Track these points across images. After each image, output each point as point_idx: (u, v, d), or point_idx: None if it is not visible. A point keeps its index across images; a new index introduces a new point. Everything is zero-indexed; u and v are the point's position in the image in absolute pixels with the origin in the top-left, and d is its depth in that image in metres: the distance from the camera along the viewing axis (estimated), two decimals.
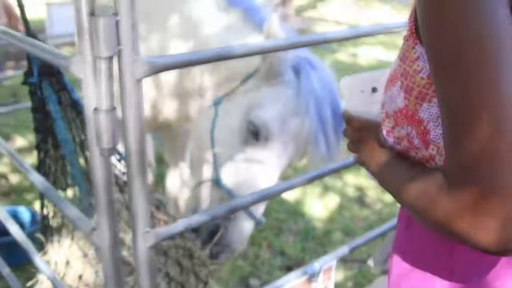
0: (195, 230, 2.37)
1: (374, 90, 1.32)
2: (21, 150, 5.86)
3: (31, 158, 5.54)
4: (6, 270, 2.51)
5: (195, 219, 1.42)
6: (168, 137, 3.89)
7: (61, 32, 7.08)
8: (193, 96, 2.81)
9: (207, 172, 2.63)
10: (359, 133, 1.31)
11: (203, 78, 2.70)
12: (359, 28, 1.72)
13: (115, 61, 1.14)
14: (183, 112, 2.91)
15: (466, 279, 1.22)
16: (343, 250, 2.11)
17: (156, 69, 1.16)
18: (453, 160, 0.90)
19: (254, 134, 2.46)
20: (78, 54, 1.14)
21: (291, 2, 13.45)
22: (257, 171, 2.50)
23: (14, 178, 5.34)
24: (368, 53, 10.14)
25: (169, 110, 2.91)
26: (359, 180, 5.42)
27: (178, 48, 2.77)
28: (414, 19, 1.04)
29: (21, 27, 3.70)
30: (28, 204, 4.79)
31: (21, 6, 2.01)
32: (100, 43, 1.08)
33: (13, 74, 8.44)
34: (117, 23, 1.09)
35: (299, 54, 2.52)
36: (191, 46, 2.75)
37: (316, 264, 1.88)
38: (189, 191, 2.82)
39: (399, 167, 1.15)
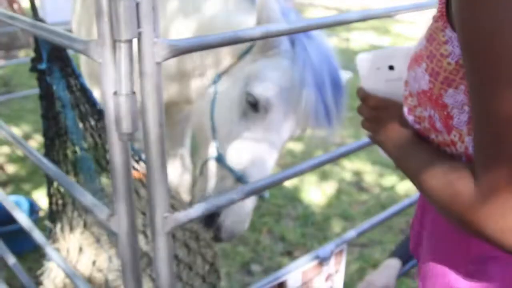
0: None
1: (391, 67, 1.29)
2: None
3: None
4: (12, 260, 2.49)
5: (212, 203, 1.41)
6: (168, 124, 3.87)
7: (55, 21, 7.04)
8: (194, 76, 2.78)
9: (210, 151, 2.61)
10: (376, 111, 1.29)
11: (204, 56, 2.68)
12: (350, 13, 1.70)
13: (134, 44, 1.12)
14: (185, 93, 2.88)
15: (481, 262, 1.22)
16: (351, 234, 2.11)
17: (177, 52, 1.15)
18: (483, 155, 0.91)
19: (253, 106, 2.43)
20: (97, 37, 1.12)
21: None
22: (258, 143, 2.48)
23: (10, 168, 5.32)
24: (360, 38, 10.12)
25: (171, 91, 2.89)
26: (356, 165, 5.43)
27: (180, 29, 2.75)
28: (446, 1, 1.02)
29: (21, 11, 3.66)
30: (26, 193, 4.77)
31: None
32: (120, 26, 1.06)
33: (4, 63, 8.38)
34: (137, 5, 1.07)
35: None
36: (194, 26, 2.73)
37: (327, 248, 1.87)
38: (191, 176, 2.80)
39: (419, 152, 1.14)
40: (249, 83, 2.44)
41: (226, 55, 2.60)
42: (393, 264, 2.59)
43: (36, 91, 6.79)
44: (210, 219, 2.39)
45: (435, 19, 1.06)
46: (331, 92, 2.47)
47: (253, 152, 2.47)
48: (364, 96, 1.32)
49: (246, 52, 2.53)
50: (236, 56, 2.57)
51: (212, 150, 2.57)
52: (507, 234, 0.89)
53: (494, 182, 0.89)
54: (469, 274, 1.21)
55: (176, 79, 2.80)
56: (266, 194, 2.55)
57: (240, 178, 2.42)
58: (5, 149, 5.69)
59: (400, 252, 2.70)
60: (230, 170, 2.45)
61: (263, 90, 2.39)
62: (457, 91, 1.03)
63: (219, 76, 2.62)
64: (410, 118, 1.19)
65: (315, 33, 2.50)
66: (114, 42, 1.10)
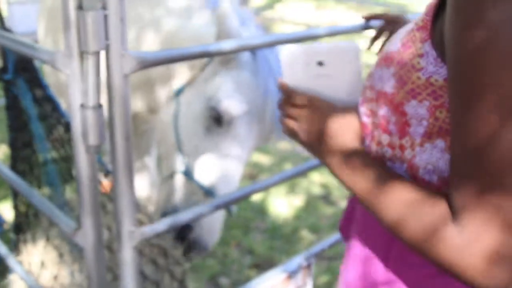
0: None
1: (320, 63, 1.20)
2: None
3: None
4: None
5: (180, 218, 1.40)
6: (133, 134, 3.84)
7: (23, 31, 6.98)
8: (157, 84, 2.77)
9: (174, 165, 2.59)
10: (304, 110, 1.18)
11: (168, 65, 2.67)
12: (319, 29, 1.72)
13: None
14: (149, 102, 2.86)
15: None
16: (319, 247, 2.11)
17: (145, 64, 1.14)
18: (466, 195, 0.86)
19: (216, 120, 2.43)
20: (64, 48, 1.10)
21: (249, 2, 13.46)
22: (224, 157, 2.47)
23: None
24: None
25: (135, 100, 2.87)
26: (324, 178, 5.45)
27: (144, 39, 2.73)
28: (433, 15, 1.01)
29: None
30: None
31: None
32: (88, 37, 1.05)
33: None
34: (105, 17, 1.06)
35: (253, 33, 2.50)
36: (157, 38, 2.73)
37: (296, 262, 1.87)
38: (157, 188, 2.78)
39: (371, 169, 1.06)
40: (211, 98, 2.44)
41: (186, 67, 2.60)
42: None
43: (1, 101, 6.69)
44: (181, 235, 2.37)
45: (417, 27, 1.04)
46: None
47: (220, 165, 2.47)
48: (289, 93, 1.20)
49: (208, 63, 2.53)
50: (198, 67, 2.57)
51: (179, 164, 2.56)
52: (487, 280, 0.85)
53: (477, 224, 0.84)
54: (389, 269, 1.20)
55: (139, 87, 2.77)
56: (234, 209, 2.55)
57: (208, 192, 2.41)
58: None
59: None
60: (199, 184, 2.45)
61: (226, 105, 2.39)
62: (420, 105, 1.02)
63: (181, 89, 2.62)
64: (362, 109, 1.17)
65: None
66: (82, 53, 1.09)
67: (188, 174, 2.50)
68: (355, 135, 1.13)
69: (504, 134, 0.83)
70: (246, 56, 2.45)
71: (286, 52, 1.20)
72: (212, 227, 2.44)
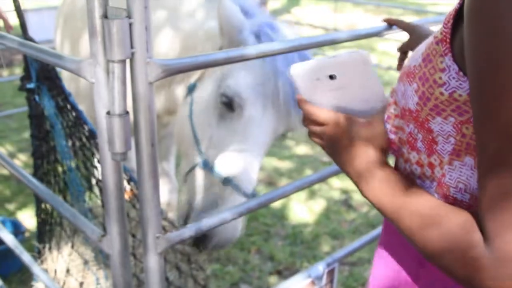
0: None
1: (332, 77, 1.16)
2: None
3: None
4: None
5: (204, 223, 1.40)
6: None
7: (38, 39, 7.04)
8: (174, 85, 2.78)
9: (193, 158, 2.57)
10: (326, 127, 1.14)
11: None
12: (339, 33, 1.72)
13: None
14: (168, 103, 2.86)
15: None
16: (342, 252, 2.11)
17: (170, 72, 1.15)
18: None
19: (228, 106, 2.40)
20: (90, 57, 1.12)
21: (265, 6, 13.52)
22: (241, 144, 2.43)
23: None
24: None
25: (158, 100, 2.89)
26: (345, 183, 5.43)
27: (163, 42, 2.75)
28: (452, 26, 0.97)
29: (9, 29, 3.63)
30: (11, 214, 4.72)
31: (18, 9, 1.97)
32: (113, 46, 1.07)
33: None
34: (130, 26, 1.08)
35: (258, 20, 2.49)
36: (176, 39, 2.74)
37: (320, 267, 1.87)
38: (178, 189, 2.77)
39: (396, 188, 1.03)
40: (220, 85, 2.43)
41: None
42: None
43: (20, 110, 6.75)
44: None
45: (436, 41, 1.01)
46: None
47: (238, 153, 2.43)
48: (309, 110, 1.16)
49: None
50: None
51: (196, 158, 2.54)
52: None
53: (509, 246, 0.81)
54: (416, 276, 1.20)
55: (158, 89, 2.79)
56: (255, 192, 2.47)
57: (228, 181, 2.37)
58: None
59: None
60: (217, 174, 2.41)
61: (235, 87, 2.36)
62: (445, 121, 0.99)
63: (194, 84, 2.62)
64: (387, 126, 1.15)
65: (278, 24, 2.49)
66: (107, 62, 1.10)
67: (206, 165, 2.47)
68: (379, 148, 1.10)
69: None
70: (251, 40, 2.42)
71: (294, 71, 1.16)
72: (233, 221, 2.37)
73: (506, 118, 0.80)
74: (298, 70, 1.16)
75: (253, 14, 2.53)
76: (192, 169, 2.58)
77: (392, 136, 1.14)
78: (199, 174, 2.54)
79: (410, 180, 1.07)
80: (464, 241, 0.86)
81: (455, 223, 0.89)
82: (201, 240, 2.31)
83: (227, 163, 2.41)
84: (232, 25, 2.35)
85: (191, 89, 2.62)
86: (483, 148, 0.86)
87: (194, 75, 2.66)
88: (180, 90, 2.76)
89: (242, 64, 2.40)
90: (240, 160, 2.39)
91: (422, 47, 1.09)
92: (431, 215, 0.93)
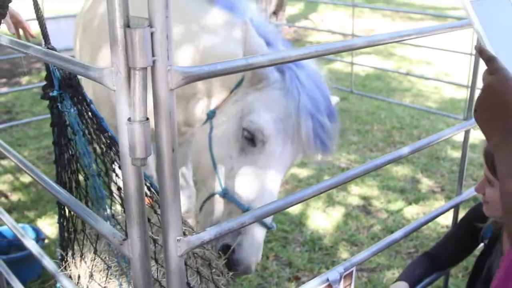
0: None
1: None
2: (17, 167, 5.85)
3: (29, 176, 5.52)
4: (19, 286, 2.50)
5: (224, 226, 1.43)
6: None
7: (57, 48, 7.14)
8: (194, 100, 2.83)
9: (212, 186, 2.65)
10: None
11: (201, 83, 2.74)
12: (356, 39, 1.72)
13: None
14: (186, 115, 2.92)
15: None
16: (359, 257, 2.11)
17: (190, 79, 1.18)
18: None
19: (250, 141, 2.47)
20: (111, 65, 1.15)
21: (283, 13, 13.56)
22: (261, 176, 2.51)
23: (14, 196, 5.34)
24: (364, 61, 10.20)
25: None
26: (363, 189, 5.43)
27: (182, 56, 2.80)
28: None
29: (30, 37, 3.70)
30: (31, 221, 4.79)
31: (40, 18, 2.01)
32: (135, 54, 1.10)
33: (7, 90, 8.47)
34: (152, 35, 1.11)
35: None
36: (197, 56, 2.79)
37: (336, 272, 1.88)
38: (197, 207, 2.83)
39: None
40: (243, 118, 2.49)
41: (218, 86, 2.66)
42: (401, 287, 2.59)
43: (38, 118, 6.82)
44: (222, 251, 2.42)
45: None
46: (326, 115, 2.51)
47: (257, 184, 2.50)
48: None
49: (237, 85, 2.59)
50: (228, 88, 2.63)
51: (215, 186, 2.62)
52: None
53: None
54: None
55: (179, 99, 2.84)
56: (274, 226, 2.60)
57: (247, 212, 2.45)
58: (9, 177, 5.72)
59: (407, 275, 2.70)
60: (238, 204, 2.49)
61: (258, 124, 2.43)
62: None
63: (213, 111, 2.67)
64: None
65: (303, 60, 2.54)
66: (129, 70, 1.13)
67: (226, 194, 2.55)
68: None
69: None
70: (275, 75, 2.48)
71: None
72: (254, 247, 2.49)
73: None
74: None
75: (275, 45, 2.59)
76: (210, 197, 2.64)
77: None
78: (219, 203, 2.60)
79: None
80: None
81: None
82: (229, 267, 2.41)
83: (248, 194, 2.48)
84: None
85: (210, 116, 2.68)
86: None
87: (213, 99, 2.72)
88: (198, 108, 2.82)
89: (264, 100, 2.46)
90: (260, 191, 2.46)
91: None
92: None
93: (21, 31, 3.71)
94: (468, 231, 2.75)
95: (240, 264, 2.44)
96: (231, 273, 2.34)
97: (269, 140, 2.46)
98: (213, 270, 2.18)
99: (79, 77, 2.10)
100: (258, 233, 2.51)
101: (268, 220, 2.56)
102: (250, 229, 2.49)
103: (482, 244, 2.74)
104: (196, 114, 2.85)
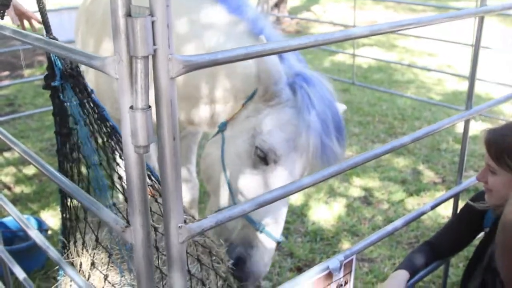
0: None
1: None
2: (20, 160, 5.88)
3: (32, 168, 5.56)
4: (22, 275, 2.52)
5: (225, 214, 1.45)
6: None
7: (61, 40, 7.17)
8: (197, 103, 2.87)
9: (224, 199, 2.70)
10: None
11: (205, 87, 2.78)
12: (356, 29, 1.73)
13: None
14: (190, 116, 2.96)
15: None
16: (359, 245, 2.12)
17: (191, 67, 1.20)
18: None
19: (263, 159, 2.53)
20: (114, 54, 1.16)
21: (285, 5, 13.56)
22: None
23: (18, 188, 5.36)
24: (366, 53, 10.19)
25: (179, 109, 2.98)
26: (364, 180, 5.44)
27: (189, 49, 2.82)
28: None
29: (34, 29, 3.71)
30: (34, 213, 4.82)
31: (42, 9, 2.03)
32: (137, 43, 1.11)
33: (9, 83, 8.48)
34: (153, 24, 1.12)
35: (293, 70, 2.58)
36: (191, 43, 2.82)
37: (336, 259, 1.90)
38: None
39: None
40: (256, 136, 2.54)
41: (229, 96, 2.69)
42: (401, 275, 2.62)
43: (41, 110, 6.84)
44: (234, 263, 2.51)
45: None
46: (335, 135, 2.56)
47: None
48: None
49: (249, 98, 2.62)
50: (240, 101, 2.66)
51: (225, 199, 2.68)
52: None
53: None
54: None
55: (183, 99, 2.87)
56: (284, 240, 2.73)
57: (261, 227, 2.57)
58: (12, 169, 5.75)
59: (408, 263, 2.72)
60: (250, 220, 2.55)
61: (271, 144, 2.48)
62: None
63: (225, 124, 2.71)
64: None
65: (314, 77, 2.57)
66: (131, 58, 1.15)
67: None
68: None
69: None
70: (287, 93, 2.52)
71: None
72: (264, 259, 2.61)
73: None
74: None
75: (287, 59, 2.62)
76: (221, 209, 2.69)
77: None
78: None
79: None
80: None
81: None
82: (240, 278, 2.53)
83: (260, 210, 2.53)
84: (270, 76, 2.45)
85: (222, 128, 2.72)
86: None
87: (220, 107, 2.75)
88: (202, 111, 2.86)
89: (277, 119, 2.50)
90: (271, 208, 2.56)
91: None
92: None
93: (26, 23, 3.72)
94: (469, 219, 2.77)
95: (251, 277, 2.57)
96: (241, 284, 2.45)
97: (280, 159, 2.52)
98: (213, 258, 2.21)
99: (81, 69, 2.12)
100: (269, 247, 2.63)
101: (278, 235, 2.69)
102: (262, 243, 2.60)
103: (482, 233, 2.76)
104: (201, 116, 2.89)
